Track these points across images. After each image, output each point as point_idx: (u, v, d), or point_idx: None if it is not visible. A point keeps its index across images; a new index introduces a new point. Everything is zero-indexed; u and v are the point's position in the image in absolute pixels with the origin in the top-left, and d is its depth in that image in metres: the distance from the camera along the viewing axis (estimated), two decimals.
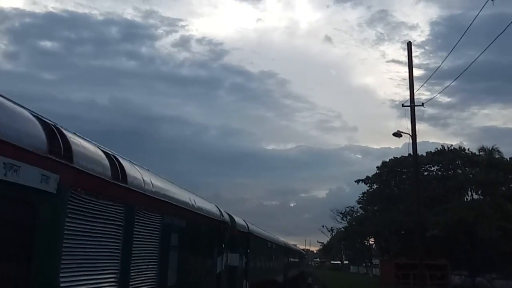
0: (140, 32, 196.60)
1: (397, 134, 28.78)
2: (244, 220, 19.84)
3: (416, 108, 26.89)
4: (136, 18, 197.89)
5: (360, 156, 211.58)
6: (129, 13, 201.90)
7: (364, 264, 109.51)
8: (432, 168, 56.67)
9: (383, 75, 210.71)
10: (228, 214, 16.10)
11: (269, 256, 28.60)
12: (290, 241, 62.16)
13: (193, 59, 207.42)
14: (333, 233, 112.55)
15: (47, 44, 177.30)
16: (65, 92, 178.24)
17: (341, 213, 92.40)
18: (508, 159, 54.27)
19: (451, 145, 57.72)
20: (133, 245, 6.48)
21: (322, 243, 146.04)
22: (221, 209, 14.98)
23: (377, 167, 62.14)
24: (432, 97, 66.81)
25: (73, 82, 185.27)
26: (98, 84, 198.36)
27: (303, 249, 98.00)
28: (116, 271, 5.88)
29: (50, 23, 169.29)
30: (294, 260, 51.76)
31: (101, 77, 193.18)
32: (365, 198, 67.31)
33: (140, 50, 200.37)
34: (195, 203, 10.99)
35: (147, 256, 7.17)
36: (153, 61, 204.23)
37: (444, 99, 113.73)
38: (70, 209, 4.79)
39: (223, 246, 14.15)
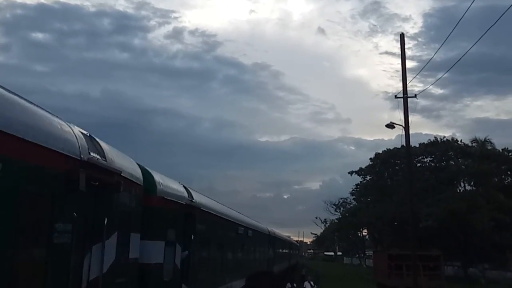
0: (133, 23, 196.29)
1: (390, 126, 28.71)
2: (184, 186, 11.81)
3: (409, 99, 26.82)
4: (129, 9, 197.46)
5: (353, 148, 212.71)
6: (121, 5, 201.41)
7: (357, 255, 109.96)
8: (425, 160, 56.81)
9: (376, 67, 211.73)
10: (140, 166, 8.82)
11: (239, 247, 20.21)
12: (284, 233, 61.84)
13: (186, 51, 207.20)
14: (327, 225, 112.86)
15: (38, 36, 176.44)
16: (58, 84, 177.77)
17: (334, 204, 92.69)
18: (501, 150, 54.50)
19: (444, 137, 57.97)
20: None
21: (315, 234, 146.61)
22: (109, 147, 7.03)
23: (370, 158, 62.30)
24: (425, 88, 67.01)
25: (66, 74, 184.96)
26: (90, 76, 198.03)
27: (296, 241, 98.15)
28: None
29: (42, 15, 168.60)
30: (283, 251, 46.32)
31: (93, 69, 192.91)
32: (358, 189, 67.48)
33: (132, 42, 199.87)
34: None
35: None
36: (146, 53, 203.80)
37: (437, 90, 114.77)
38: None
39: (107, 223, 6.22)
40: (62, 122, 5.75)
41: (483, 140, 55.89)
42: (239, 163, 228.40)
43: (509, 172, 54.89)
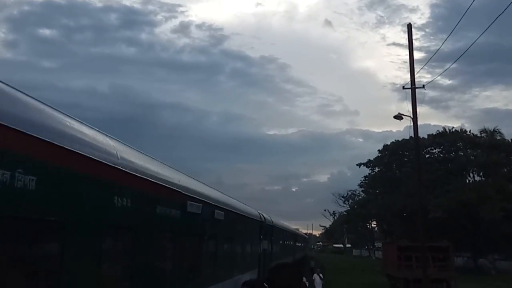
0: (139, 18, 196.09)
1: (398, 117, 28.59)
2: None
3: (417, 90, 26.65)
4: (135, 4, 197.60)
5: (361, 140, 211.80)
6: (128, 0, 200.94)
7: (366, 247, 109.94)
8: (434, 151, 56.59)
9: (383, 58, 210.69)
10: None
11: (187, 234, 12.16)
12: (293, 225, 61.11)
13: (193, 45, 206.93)
14: (336, 217, 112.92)
15: (46, 32, 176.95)
16: (65, 80, 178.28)
17: (343, 196, 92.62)
18: (510, 140, 54.16)
19: (453, 127, 57.70)
20: None
21: (324, 227, 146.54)
22: None
23: (379, 150, 62.18)
24: (433, 79, 66.66)
25: (73, 70, 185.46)
26: (97, 71, 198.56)
27: (306, 233, 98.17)
28: None
29: (49, 11, 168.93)
30: (286, 244, 39.15)
31: (100, 64, 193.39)
32: (366, 181, 67.37)
33: (139, 36, 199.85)
34: None
35: None
36: (153, 48, 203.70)
37: (445, 81, 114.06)
38: None
39: None
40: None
41: (492, 130, 55.62)
42: (247, 156, 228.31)
43: None
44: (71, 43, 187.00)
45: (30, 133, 4.38)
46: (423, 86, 27.57)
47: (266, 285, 3.63)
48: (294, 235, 49.21)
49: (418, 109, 26.61)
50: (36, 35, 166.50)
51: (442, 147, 55.52)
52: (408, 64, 27.41)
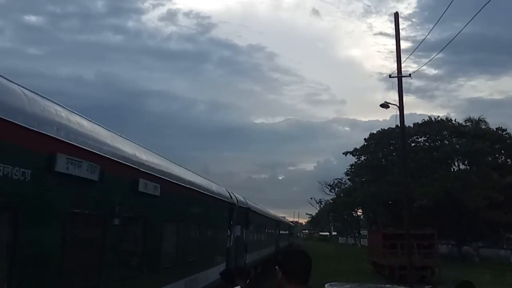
0: (126, 6, 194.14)
1: (385, 105, 28.65)
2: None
3: (403, 80, 26.71)
4: None
5: (348, 129, 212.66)
6: None
7: (352, 235, 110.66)
8: (419, 139, 56.86)
9: (370, 48, 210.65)
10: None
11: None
12: (279, 214, 60.79)
13: (180, 33, 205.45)
14: (322, 205, 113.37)
15: (32, 18, 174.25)
16: (51, 67, 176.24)
17: (329, 185, 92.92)
18: (494, 130, 54.64)
19: (438, 116, 57.96)
20: None
21: (310, 215, 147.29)
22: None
23: (365, 139, 62.32)
24: (419, 68, 66.82)
25: (59, 57, 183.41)
26: (84, 59, 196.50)
27: (292, 221, 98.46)
28: None
29: None
30: (267, 232, 34.74)
31: (87, 52, 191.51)
32: (353, 170, 67.64)
33: (126, 24, 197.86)
34: None
35: None
36: (140, 35, 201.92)
37: (431, 71, 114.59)
38: None
39: None
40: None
41: (477, 119, 55.98)
42: (234, 145, 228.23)
43: (503, 151, 55.07)
44: (57, 30, 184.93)
45: None
46: (410, 75, 27.66)
47: (277, 268, 3.64)
48: (277, 222, 44.44)
49: (404, 98, 26.74)
50: (21, 21, 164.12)
51: (427, 136, 55.78)
52: (394, 54, 27.47)
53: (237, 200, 19.69)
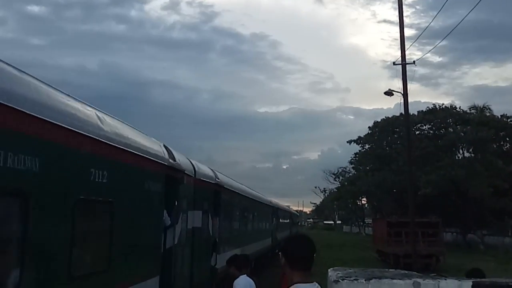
0: None
1: (389, 93, 28.53)
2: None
3: (407, 68, 26.60)
4: None
5: (352, 117, 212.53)
6: None
7: (356, 224, 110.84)
8: (424, 127, 56.69)
9: (374, 35, 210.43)
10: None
11: None
12: (284, 203, 60.63)
13: (183, 22, 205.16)
14: (326, 194, 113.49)
15: (34, 8, 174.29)
16: (55, 57, 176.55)
17: (333, 174, 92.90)
18: (499, 117, 54.39)
19: (443, 104, 57.73)
20: None
21: (315, 204, 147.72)
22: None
23: (369, 127, 62.11)
24: (423, 55, 66.45)
25: (62, 47, 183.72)
26: (87, 48, 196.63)
27: (296, 210, 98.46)
28: None
29: None
30: (260, 223, 28.05)
31: (90, 41, 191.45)
32: (357, 158, 67.52)
33: (129, 13, 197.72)
34: None
35: None
36: (143, 25, 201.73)
37: (436, 58, 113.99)
38: None
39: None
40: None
41: (481, 107, 55.78)
42: (238, 134, 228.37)
43: (507, 139, 54.87)
44: (60, 20, 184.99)
45: None
46: (414, 62, 27.58)
47: (279, 253, 3.59)
48: (274, 209, 35.72)
49: (409, 86, 26.63)
50: (24, 11, 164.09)
51: (432, 123, 55.59)
52: (398, 41, 27.29)
53: (195, 170, 12.05)
